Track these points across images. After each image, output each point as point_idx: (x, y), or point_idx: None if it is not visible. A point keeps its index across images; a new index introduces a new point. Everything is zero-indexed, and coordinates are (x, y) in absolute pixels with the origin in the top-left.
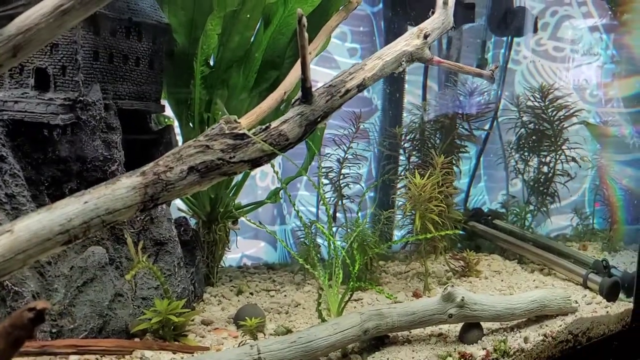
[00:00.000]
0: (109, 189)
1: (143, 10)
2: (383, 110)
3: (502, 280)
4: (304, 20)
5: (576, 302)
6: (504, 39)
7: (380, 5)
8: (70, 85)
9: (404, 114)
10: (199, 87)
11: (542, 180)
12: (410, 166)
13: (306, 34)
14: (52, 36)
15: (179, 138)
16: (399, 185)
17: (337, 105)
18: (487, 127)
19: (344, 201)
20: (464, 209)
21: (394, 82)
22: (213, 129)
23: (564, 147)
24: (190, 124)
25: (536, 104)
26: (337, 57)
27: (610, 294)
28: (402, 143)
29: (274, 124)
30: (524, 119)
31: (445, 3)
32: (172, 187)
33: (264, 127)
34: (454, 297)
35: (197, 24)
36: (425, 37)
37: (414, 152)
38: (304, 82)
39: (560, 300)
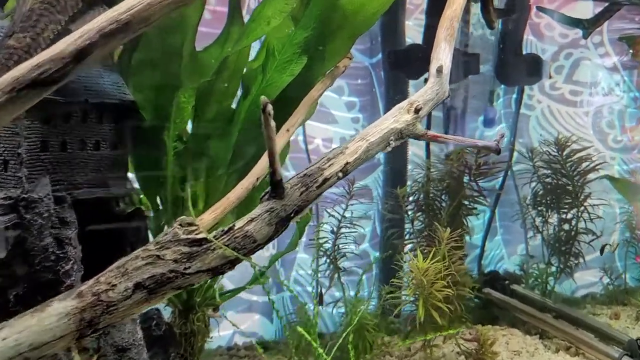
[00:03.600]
0: (34, 319)
1: (103, 90)
2: (386, 164)
3: None
4: (269, 107)
5: None
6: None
7: (379, 56)
8: (12, 182)
9: (409, 167)
10: (172, 164)
11: (563, 239)
12: (414, 230)
13: (273, 123)
14: None
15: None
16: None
17: (314, 197)
18: (498, 184)
19: (342, 275)
20: (477, 270)
21: None
22: (166, 234)
23: (586, 204)
24: (162, 206)
25: (552, 157)
26: (333, 111)
27: None
28: (406, 205)
29: (238, 224)
30: (540, 172)
31: (439, 71)
32: (115, 308)
33: (226, 228)
34: None
35: (166, 99)
36: (417, 111)
37: (418, 215)
38: (273, 175)
39: None
